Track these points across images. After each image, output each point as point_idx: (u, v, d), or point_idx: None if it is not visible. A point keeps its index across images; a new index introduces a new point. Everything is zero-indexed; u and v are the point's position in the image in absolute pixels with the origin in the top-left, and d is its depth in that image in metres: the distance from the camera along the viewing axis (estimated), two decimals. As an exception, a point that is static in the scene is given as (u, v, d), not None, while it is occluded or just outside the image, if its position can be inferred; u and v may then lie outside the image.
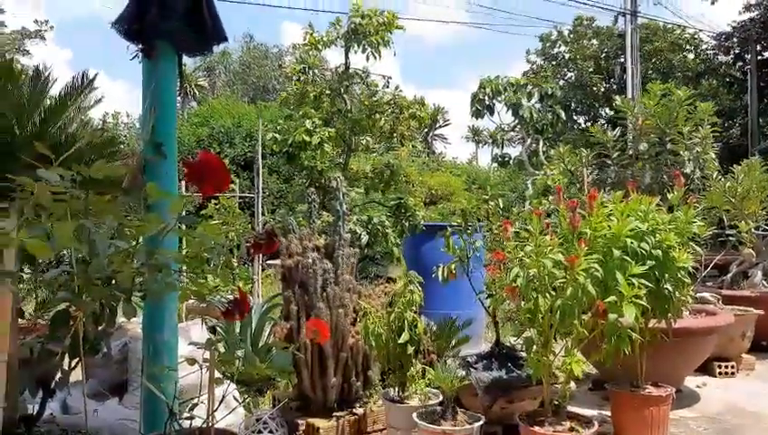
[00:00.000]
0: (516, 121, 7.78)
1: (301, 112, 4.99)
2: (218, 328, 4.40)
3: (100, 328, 1.87)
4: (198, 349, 2.10)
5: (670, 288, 3.15)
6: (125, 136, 12.81)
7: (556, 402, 2.81)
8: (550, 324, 2.72)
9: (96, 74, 3.07)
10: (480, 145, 16.69)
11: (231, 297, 5.25)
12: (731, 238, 5.61)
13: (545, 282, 2.64)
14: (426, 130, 18.70)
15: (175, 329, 2.36)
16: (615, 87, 21.07)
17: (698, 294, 5.06)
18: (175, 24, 2.27)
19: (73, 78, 2.84)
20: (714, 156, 3.98)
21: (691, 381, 4.46)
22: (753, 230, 5.45)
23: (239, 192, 11.46)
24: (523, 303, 2.71)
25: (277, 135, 5.17)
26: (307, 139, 4.69)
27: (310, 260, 3.23)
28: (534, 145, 7.92)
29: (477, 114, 8.40)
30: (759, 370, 4.90)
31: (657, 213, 3.23)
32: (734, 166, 5.60)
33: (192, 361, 2.55)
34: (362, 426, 3.31)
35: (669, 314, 3.23)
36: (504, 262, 2.83)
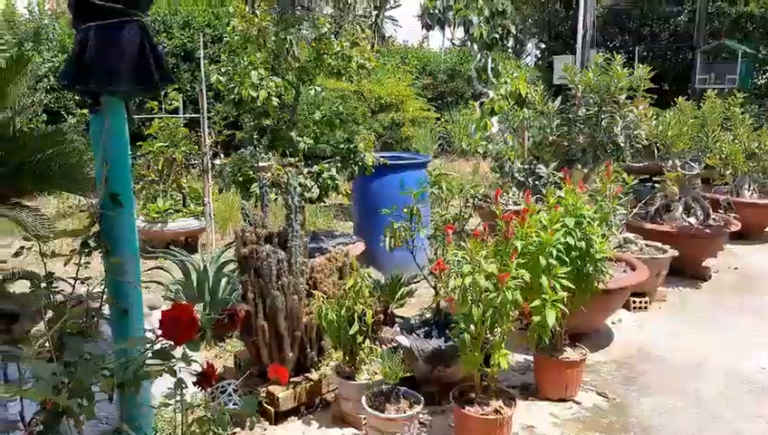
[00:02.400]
0: (466, 38, 7.70)
1: (247, 60, 4.87)
2: (171, 287, 4.61)
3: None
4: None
5: (591, 273, 3.54)
6: (53, 27, 11.88)
7: (485, 383, 3.23)
8: (482, 324, 3.06)
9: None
10: (430, 29, 16.14)
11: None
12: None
13: (479, 293, 2.95)
14: (375, 12, 18.00)
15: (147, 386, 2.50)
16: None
17: (622, 235, 5.55)
18: (120, 79, 2.26)
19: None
20: (644, 134, 4.22)
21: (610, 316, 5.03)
22: (678, 168, 5.84)
23: (182, 90, 11.11)
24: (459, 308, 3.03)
25: (222, 78, 5.06)
26: (254, 94, 4.64)
27: (264, 253, 3.42)
28: (483, 60, 7.91)
29: (428, 27, 8.26)
30: (670, 301, 5.53)
31: (586, 203, 3.53)
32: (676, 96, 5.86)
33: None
34: (318, 390, 3.71)
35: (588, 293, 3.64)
36: (444, 269, 3.10)
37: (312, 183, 4.89)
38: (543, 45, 26.71)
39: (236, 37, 4.96)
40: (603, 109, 4.17)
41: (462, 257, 3.02)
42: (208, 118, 7.26)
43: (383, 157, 5.76)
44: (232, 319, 2.10)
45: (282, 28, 4.92)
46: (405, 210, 3.64)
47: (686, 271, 6.03)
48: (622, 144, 4.14)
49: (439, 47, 18.36)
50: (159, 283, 4.71)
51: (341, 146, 5.47)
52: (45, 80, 11.05)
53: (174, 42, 12.16)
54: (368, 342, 3.58)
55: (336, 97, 10.64)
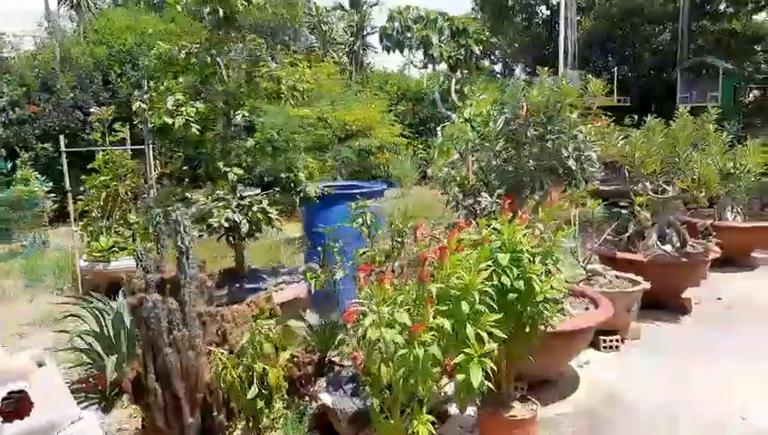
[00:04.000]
0: (426, 60, 7.32)
1: (164, 84, 4.44)
2: (82, 336, 4.11)
3: None
4: None
5: (534, 317, 3.06)
6: (14, 59, 11.54)
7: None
8: (397, 385, 2.57)
9: None
10: (391, 52, 15.71)
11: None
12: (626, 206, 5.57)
13: (388, 350, 2.46)
14: (352, 39, 17.71)
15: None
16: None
17: (589, 267, 5.08)
18: None
19: None
20: (595, 156, 3.77)
21: (574, 359, 4.52)
22: (649, 193, 5.40)
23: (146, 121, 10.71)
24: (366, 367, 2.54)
25: (144, 104, 4.63)
26: (168, 121, 4.19)
27: (150, 303, 2.94)
28: (447, 82, 7.53)
29: (388, 50, 7.90)
30: (645, 338, 5.01)
31: (525, 238, 3.06)
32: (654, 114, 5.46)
33: None
34: (225, 459, 3.19)
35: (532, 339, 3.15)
36: (356, 320, 2.62)
37: (242, 217, 4.41)
38: (529, 69, 26.56)
39: (155, 61, 4.55)
40: (550, 129, 3.73)
41: (371, 307, 2.54)
42: (159, 151, 6.85)
43: (328, 187, 5.33)
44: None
45: (203, 48, 4.51)
46: (319, 249, 3.17)
47: (665, 303, 5.55)
48: (574, 167, 3.69)
49: (420, 72, 18.15)
50: (66, 331, 4.22)
51: (281, 176, 5.04)
52: (3, 114, 10.65)
53: (140, 72, 11.82)
54: (280, 404, 3.09)
55: (307, 125, 10.26)
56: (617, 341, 4.78)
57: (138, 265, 3.21)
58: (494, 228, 3.08)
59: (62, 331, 4.25)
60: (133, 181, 6.92)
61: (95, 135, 7.12)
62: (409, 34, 7.19)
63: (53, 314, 5.45)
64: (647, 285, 4.85)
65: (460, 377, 2.57)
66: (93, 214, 6.83)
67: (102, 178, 6.88)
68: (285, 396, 3.35)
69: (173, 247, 3.96)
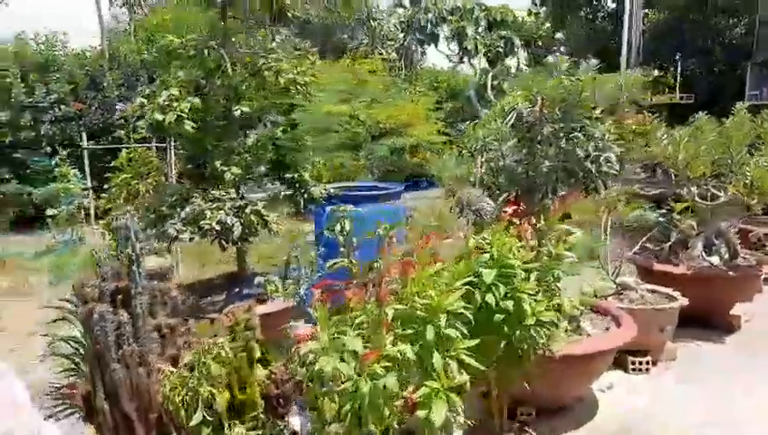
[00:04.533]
0: (461, 53, 6.85)
1: (160, 79, 4.25)
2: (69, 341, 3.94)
3: None
4: None
5: (528, 342, 2.64)
6: (62, 57, 11.74)
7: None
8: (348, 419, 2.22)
9: None
10: (425, 45, 14.67)
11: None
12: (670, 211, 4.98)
13: (332, 382, 2.12)
14: (402, 35, 17.32)
15: None
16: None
17: (619, 279, 4.57)
18: None
19: None
20: (614, 157, 3.27)
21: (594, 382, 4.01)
22: (696, 199, 4.81)
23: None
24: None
25: (145, 100, 4.45)
26: (159, 118, 3.98)
27: (96, 316, 2.70)
28: (483, 77, 7.05)
29: (421, 43, 7.50)
30: (681, 360, 4.45)
31: (520, 250, 2.65)
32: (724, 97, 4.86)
33: None
34: (185, 484, 2.93)
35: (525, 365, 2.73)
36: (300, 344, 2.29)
37: (234, 220, 4.15)
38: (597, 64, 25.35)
39: (155, 54, 4.36)
40: (564, 126, 3.26)
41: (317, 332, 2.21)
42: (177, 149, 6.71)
43: (337, 188, 5.03)
44: None
45: (202, 41, 4.27)
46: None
47: (710, 320, 4.95)
48: (593, 170, 3.21)
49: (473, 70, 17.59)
50: (46, 335, 4.07)
51: (286, 176, 4.77)
52: (51, 112, 10.87)
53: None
54: (239, 429, 2.79)
55: (344, 122, 9.96)
56: (647, 362, 4.25)
57: (95, 272, 3.00)
58: (481, 238, 2.68)
59: (46, 335, 4.10)
60: (155, 179, 6.83)
61: (121, 133, 7.08)
62: (445, 26, 6.76)
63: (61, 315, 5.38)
64: (684, 302, 4.30)
65: (421, 413, 2.19)
66: (114, 212, 6.79)
67: (124, 175, 6.83)
68: (261, 416, 3.08)
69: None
